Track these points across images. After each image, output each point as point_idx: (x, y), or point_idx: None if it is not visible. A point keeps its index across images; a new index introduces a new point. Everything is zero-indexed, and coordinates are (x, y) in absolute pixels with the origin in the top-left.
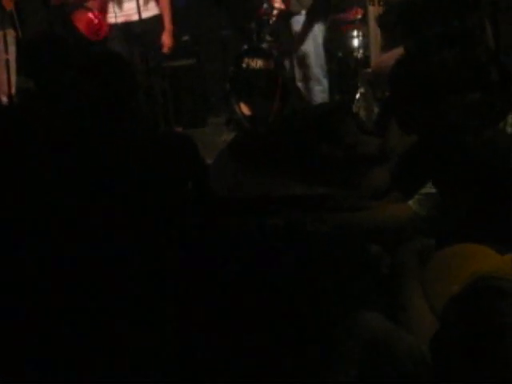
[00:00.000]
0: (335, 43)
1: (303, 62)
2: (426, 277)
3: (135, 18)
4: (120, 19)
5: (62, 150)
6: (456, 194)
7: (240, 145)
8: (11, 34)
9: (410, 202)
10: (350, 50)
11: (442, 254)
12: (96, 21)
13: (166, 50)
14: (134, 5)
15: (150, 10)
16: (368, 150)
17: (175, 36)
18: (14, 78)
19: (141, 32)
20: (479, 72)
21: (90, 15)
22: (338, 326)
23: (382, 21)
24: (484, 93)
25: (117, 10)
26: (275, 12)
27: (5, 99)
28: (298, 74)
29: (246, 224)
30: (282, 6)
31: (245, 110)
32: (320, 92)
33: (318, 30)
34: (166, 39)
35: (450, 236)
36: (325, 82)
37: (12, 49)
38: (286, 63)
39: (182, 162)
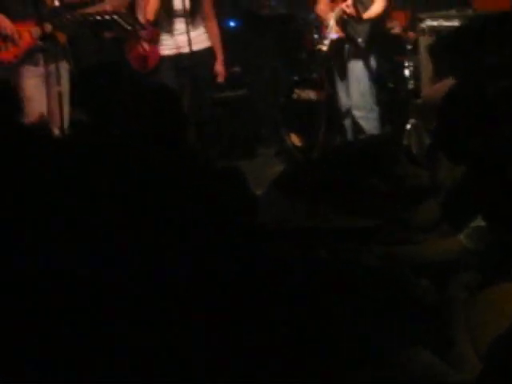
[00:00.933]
0: (386, 73)
1: (356, 90)
2: (470, 316)
3: (186, 50)
4: (172, 51)
5: (111, 179)
6: (508, 228)
7: (289, 177)
8: (64, 67)
9: (460, 236)
10: (401, 80)
11: (487, 292)
12: (144, 53)
13: (220, 79)
14: (185, 37)
15: (202, 43)
16: (418, 183)
17: (226, 67)
18: (66, 111)
19: (191, 64)
20: None
21: (139, 47)
22: (389, 362)
23: (432, 50)
24: None
25: (169, 42)
26: (327, 42)
27: (57, 131)
28: (351, 102)
29: (294, 256)
30: (337, 35)
31: (295, 140)
32: (373, 120)
33: (371, 60)
34: (220, 68)
35: (500, 270)
36: (377, 111)
37: (65, 81)
38: (340, 93)
39: (232, 194)
